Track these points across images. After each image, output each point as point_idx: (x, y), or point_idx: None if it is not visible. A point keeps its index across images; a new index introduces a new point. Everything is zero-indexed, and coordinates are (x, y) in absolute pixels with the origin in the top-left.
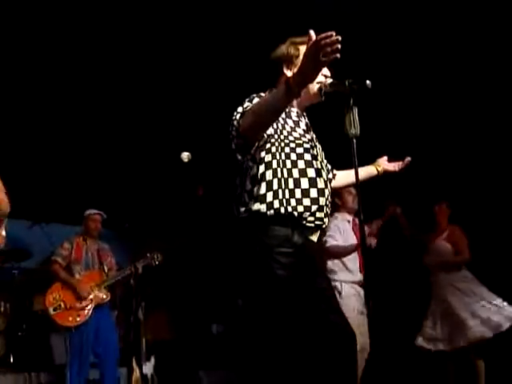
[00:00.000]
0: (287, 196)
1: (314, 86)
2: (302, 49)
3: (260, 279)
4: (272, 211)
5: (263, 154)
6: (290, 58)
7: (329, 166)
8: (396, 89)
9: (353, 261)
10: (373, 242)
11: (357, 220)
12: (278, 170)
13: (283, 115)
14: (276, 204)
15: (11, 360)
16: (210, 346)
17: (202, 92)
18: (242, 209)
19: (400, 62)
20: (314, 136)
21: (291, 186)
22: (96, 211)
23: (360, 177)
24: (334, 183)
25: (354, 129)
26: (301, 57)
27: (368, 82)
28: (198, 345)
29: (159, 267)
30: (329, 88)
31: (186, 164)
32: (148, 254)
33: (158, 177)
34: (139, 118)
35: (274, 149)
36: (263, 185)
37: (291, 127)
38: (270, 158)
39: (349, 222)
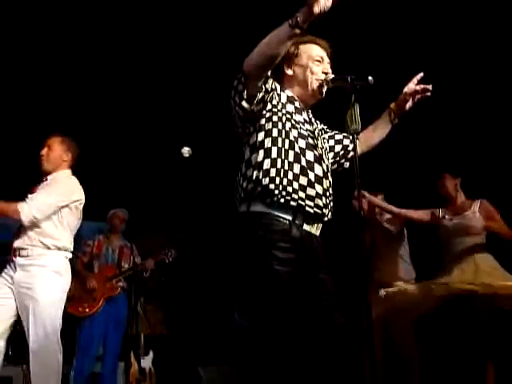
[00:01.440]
0: (286, 167)
1: (313, 83)
2: (302, 48)
3: (259, 275)
4: (267, 179)
5: (263, 121)
6: (289, 56)
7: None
8: (398, 84)
9: None
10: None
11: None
12: (279, 139)
13: (285, 98)
14: (272, 173)
15: (10, 352)
16: (208, 341)
17: (203, 87)
18: (242, 182)
19: (400, 56)
20: (317, 132)
21: (291, 158)
22: (121, 209)
23: (376, 134)
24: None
25: (356, 125)
26: (301, 55)
27: (370, 78)
28: (196, 339)
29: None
30: (331, 84)
31: (187, 159)
32: (163, 250)
33: (158, 172)
34: (141, 114)
35: (275, 118)
36: (261, 152)
37: (293, 111)
38: (270, 126)
39: None
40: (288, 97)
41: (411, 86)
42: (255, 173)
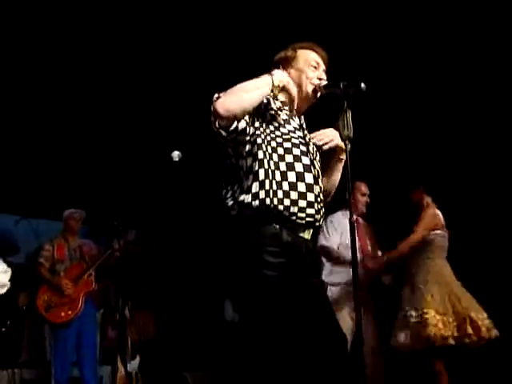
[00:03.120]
0: (274, 187)
1: (308, 87)
2: (300, 52)
3: (248, 279)
4: (257, 202)
5: (249, 146)
6: (287, 59)
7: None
8: (390, 90)
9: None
10: (386, 279)
11: (360, 220)
12: (265, 161)
13: (272, 111)
14: (262, 194)
15: None
16: (195, 346)
17: (192, 91)
18: (230, 202)
19: (392, 63)
20: (308, 137)
21: (278, 178)
22: (75, 210)
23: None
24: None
25: (348, 131)
26: (298, 59)
27: (363, 84)
28: (183, 344)
29: (146, 265)
30: (323, 90)
31: (177, 163)
32: (122, 234)
33: (147, 175)
34: (129, 114)
35: (259, 140)
36: (250, 176)
37: (279, 123)
38: (255, 150)
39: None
40: (278, 105)
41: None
42: (244, 196)
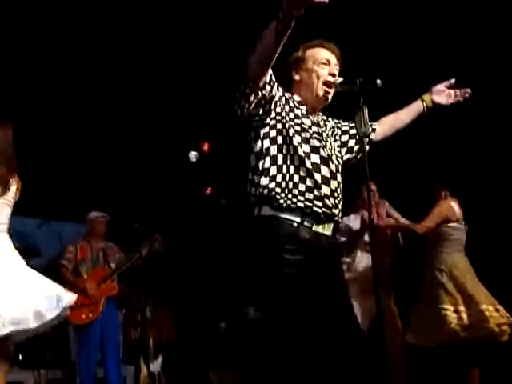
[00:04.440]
0: (291, 171)
1: (319, 88)
2: (309, 52)
3: (269, 278)
4: (273, 184)
5: (267, 129)
6: (297, 61)
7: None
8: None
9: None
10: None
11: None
12: (284, 146)
13: (293, 103)
14: (279, 178)
15: (20, 357)
16: (217, 345)
17: (211, 93)
18: (250, 188)
19: (405, 59)
20: (326, 134)
21: (296, 162)
22: (100, 214)
23: (405, 118)
24: (380, 131)
25: (365, 128)
26: (307, 60)
27: (379, 81)
28: (206, 343)
29: (167, 265)
30: (339, 87)
31: (194, 164)
32: (150, 237)
33: (165, 176)
34: (149, 117)
35: (279, 125)
36: (267, 159)
37: (297, 115)
38: (274, 134)
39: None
40: (296, 101)
41: (440, 86)
42: (262, 179)
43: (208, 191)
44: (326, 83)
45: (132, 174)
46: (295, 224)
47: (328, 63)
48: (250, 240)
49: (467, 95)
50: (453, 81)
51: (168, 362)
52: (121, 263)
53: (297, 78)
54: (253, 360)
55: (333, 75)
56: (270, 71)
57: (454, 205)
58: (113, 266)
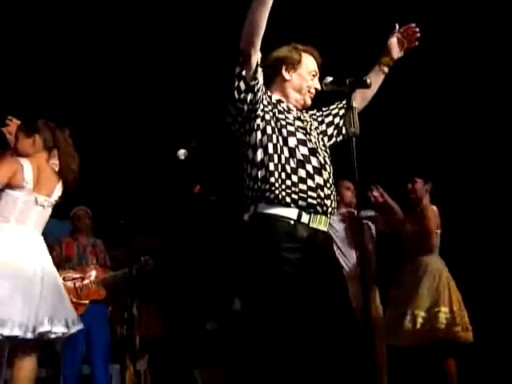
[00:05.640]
0: (283, 161)
1: (306, 94)
2: (304, 57)
3: (266, 276)
4: (267, 174)
5: (258, 120)
6: (291, 61)
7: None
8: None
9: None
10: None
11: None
12: (273, 136)
13: (272, 99)
14: (271, 167)
15: (5, 356)
16: (204, 344)
17: (199, 90)
18: (248, 181)
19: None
20: (309, 128)
21: (286, 153)
22: (80, 207)
23: (373, 88)
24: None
25: (354, 128)
26: (301, 65)
27: (369, 80)
28: (191, 342)
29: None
30: (329, 86)
31: (183, 162)
32: (142, 258)
33: (153, 174)
34: (137, 115)
35: (268, 116)
36: (260, 150)
37: (280, 110)
38: (264, 124)
39: (341, 214)
40: (275, 99)
41: (392, 39)
42: (256, 171)
43: (197, 189)
44: (310, 94)
45: (119, 171)
46: (292, 222)
47: (315, 75)
48: (246, 238)
49: (416, 34)
50: (397, 28)
51: (154, 360)
52: (109, 278)
53: (287, 77)
54: (241, 358)
55: (316, 89)
56: (260, 54)
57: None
58: (94, 262)
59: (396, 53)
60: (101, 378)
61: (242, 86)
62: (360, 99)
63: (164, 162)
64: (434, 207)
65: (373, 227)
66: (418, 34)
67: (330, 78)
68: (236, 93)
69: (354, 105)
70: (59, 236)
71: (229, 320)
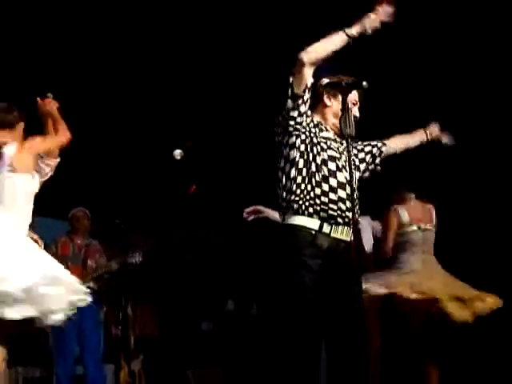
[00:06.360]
0: (309, 176)
1: (332, 118)
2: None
3: (286, 280)
4: (295, 186)
5: (294, 138)
6: (332, 94)
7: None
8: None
9: None
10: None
11: None
12: (305, 153)
13: (315, 121)
14: (299, 180)
15: None
16: (199, 344)
17: (196, 91)
18: (281, 192)
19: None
20: (343, 149)
21: (313, 169)
22: (79, 209)
23: (410, 143)
24: (390, 147)
25: (349, 129)
26: (335, 103)
27: (364, 83)
28: (186, 342)
29: (148, 264)
30: (326, 87)
31: (179, 162)
32: (129, 253)
33: (149, 174)
34: (133, 115)
35: (303, 136)
36: (293, 165)
37: (321, 129)
38: (299, 142)
39: None
40: (316, 120)
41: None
42: (288, 183)
43: (192, 189)
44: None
45: (114, 171)
46: (313, 232)
47: (355, 104)
48: (271, 248)
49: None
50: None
51: (149, 360)
52: (92, 272)
53: (328, 103)
54: (238, 359)
55: (355, 117)
56: (312, 80)
57: (401, 210)
58: (90, 264)
59: (443, 138)
60: (95, 378)
61: (291, 99)
62: (397, 144)
63: (160, 162)
64: (399, 208)
65: (370, 230)
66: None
67: (326, 80)
68: (287, 102)
69: (354, 111)
70: (56, 235)
71: (224, 320)
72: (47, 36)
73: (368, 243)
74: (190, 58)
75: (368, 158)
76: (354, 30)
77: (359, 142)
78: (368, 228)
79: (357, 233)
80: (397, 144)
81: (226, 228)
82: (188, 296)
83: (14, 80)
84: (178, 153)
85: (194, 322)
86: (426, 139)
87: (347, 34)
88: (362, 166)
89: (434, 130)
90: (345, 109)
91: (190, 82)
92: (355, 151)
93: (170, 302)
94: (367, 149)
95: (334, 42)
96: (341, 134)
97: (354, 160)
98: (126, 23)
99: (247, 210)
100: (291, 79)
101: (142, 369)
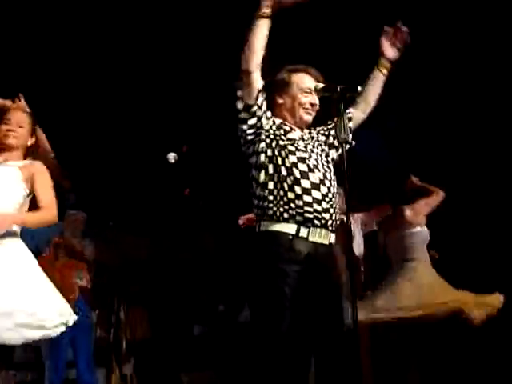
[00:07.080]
0: (281, 180)
1: (300, 113)
2: (294, 78)
3: (263, 287)
4: (267, 192)
5: (260, 144)
6: (281, 84)
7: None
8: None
9: None
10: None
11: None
12: (274, 157)
13: (277, 122)
14: (271, 185)
15: None
16: (191, 348)
17: (190, 94)
18: (254, 200)
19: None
20: (312, 145)
21: (284, 173)
22: (76, 211)
23: (376, 92)
24: (359, 112)
25: (345, 134)
26: (292, 86)
27: (360, 88)
28: (178, 346)
29: (140, 267)
30: (320, 93)
31: (173, 165)
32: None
33: (143, 177)
34: (128, 118)
35: (268, 140)
36: (262, 171)
37: (285, 131)
38: (266, 148)
39: None
40: (280, 122)
41: (384, 44)
42: (260, 190)
43: (187, 192)
44: (307, 110)
45: (109, 173)
46: (290, 237)
47: (310, 92)
48: (248, 255)
49: (404, 33)
50: (385, 28)
51: (140, 364)
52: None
53: (280, 101)
54: (230, 362)
55: (313, 105)
56: (262, 82)
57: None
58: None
59: (390, 53)
60: (87, 382)
61: (244, 111)
62: (363, 104)
63: (154, 165)
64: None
65: (360, 232)
66: (407, 30)
67: (321, 85)
68: (240, 115)
69: (350, 114)
70: (50, 237)
71: (216, 324)
72: (46, 36)
73: (359, 248)
74: (186, 61)
75: (336, 141)
76: (264, 8)
77: (322, 126)
78: (358, 228)
79: (348, 239)
80: (360, 105)
81: (219, 231)
82: (180, 299)
83: (13, 79)
84: (172, 156)
85: (187, 325)
86: (385, 75)
87: (259, 16)
88: (333, 152)
89: (386, 55)
90: (340, 113)
91: (185, 84)
92: (322, 138)
93: (162, 306)
94: (333, 132)
95: (254, 31)
96: (337, 139)
97: (323, 150)
98: (122, 26)
99: (243, 217)
100: (239, 93)
101: (133, 372)
